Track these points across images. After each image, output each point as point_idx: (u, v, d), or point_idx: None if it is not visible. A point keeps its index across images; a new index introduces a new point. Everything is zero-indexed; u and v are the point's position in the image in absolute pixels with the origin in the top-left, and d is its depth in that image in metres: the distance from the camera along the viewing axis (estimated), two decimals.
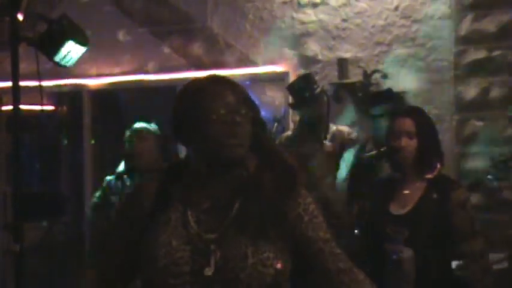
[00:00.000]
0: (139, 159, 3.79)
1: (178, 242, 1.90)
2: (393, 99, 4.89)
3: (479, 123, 5.06)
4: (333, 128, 4.72)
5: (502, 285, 4.07)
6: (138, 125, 3.92)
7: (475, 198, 4.54)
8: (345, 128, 4.77)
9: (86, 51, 3.58)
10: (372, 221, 3.38)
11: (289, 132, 4.98)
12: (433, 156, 3.33)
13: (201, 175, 1.97)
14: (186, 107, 2.00)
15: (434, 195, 3.20)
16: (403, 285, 3.16)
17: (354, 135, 4.74)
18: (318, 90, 4.67)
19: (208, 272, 1.86)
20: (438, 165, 3.31)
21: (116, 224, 2.13)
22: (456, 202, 3.18)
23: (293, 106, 4.99)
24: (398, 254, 3.13)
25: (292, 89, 4.81)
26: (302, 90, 4.63)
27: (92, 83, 6.42)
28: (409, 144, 3.28)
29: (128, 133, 3.90)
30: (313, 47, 5.61)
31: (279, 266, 1.89)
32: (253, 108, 2.01)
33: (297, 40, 5.67)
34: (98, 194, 4.06)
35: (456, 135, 5.11)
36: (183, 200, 1.96)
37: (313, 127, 4.65)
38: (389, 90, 5.09)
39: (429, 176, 3.28)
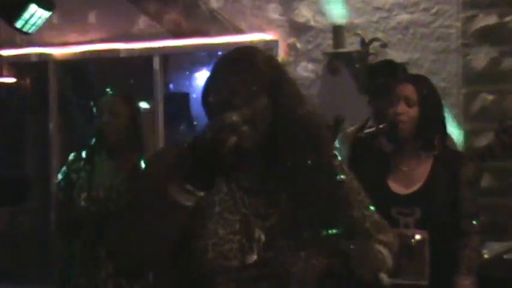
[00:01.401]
0: (110, 137, 3.70)
1: (226, 231, 1.91)
2: (394, 72, 4.82)
3: (490, 97, 5.03)
4: None
5: None
6: (109, 97, 3.82)
7: (484, 182, 4.51)
8: None
9: (51, 17, 3.48)
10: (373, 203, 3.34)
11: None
12: (434, 130, 3.28)
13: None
14: (204, 85, 2.02)
15: (443, 171, 3.19)
16: (417, 271, 3.15)
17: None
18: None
19: (250, 259, 1.88)
20: (437, 141, 3.27)
21: (134, 206, 1.99)
22: (466, 178, 3.19)
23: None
24: (410, 238, 3.11)
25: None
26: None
27: (59, 52, 6.35)
28: (407, 111, 3.24)
29: (97, 107, 3.80)
30: (305, 12, 5.56)
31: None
32: (275, 83, 1.96)
33: (288, 5, 5.62)
34: (61, 171, 3.98)
35: (464, 111, 5.08)
36: (228, 179, 1.94)
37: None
38: (389, 62, 5.04)
39: (430, 152, 3.25)
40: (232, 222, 1.92)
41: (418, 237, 3.13)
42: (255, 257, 1.88)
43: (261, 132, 1.92)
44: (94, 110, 3.79)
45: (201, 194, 1.79)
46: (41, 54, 6.37)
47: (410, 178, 3.28)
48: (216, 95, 1.93)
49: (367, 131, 3.52)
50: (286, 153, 1.95)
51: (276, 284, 1.90)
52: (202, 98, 2.01)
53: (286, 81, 2.00)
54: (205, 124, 1.85)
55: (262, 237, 1.91)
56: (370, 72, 4.48)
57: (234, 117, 1.80)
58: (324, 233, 1.94)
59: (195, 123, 7.26)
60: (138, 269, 1.97)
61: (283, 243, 1.91)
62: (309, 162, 1.95)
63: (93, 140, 3.65)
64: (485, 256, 4.07)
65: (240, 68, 1.94)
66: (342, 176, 2.04)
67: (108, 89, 3.83)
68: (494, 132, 3.44)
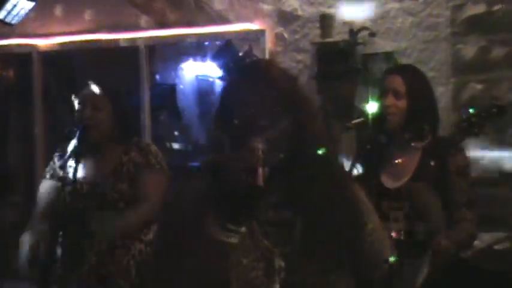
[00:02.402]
0: (93, 132, 3.65)
1: (249, 259, 1.89)
2: (347, 55, 4.79)
3: (479, 86, 5.01)
4: None
5: (504, 267, 4.07)
6: (91, 89, 3.75)
7: (474, 172, 4.49)
8: None
9: (34, 7, 3.42)
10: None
11: None
12: (424, 122, 3.26)
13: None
14: (221, 99, 1.98)
15: (432, 162, 3.17)
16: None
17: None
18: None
19: None
20: (427, 132, 3.25)
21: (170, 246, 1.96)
22: (454, 168, 3.18)
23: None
24: (399, 233, 3.09)
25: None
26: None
27: (43, 43, 6.30)
28: (395, 103, 3.22)
29: (79, 100, 3.73)
30: (292, 2, 5.53)
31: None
32: (296, 102, 1.94)
33: None
34: (47, 169, 3.93)
35: (453, 100, 5.06)
36: (233, 215, 1.87)
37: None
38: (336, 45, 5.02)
39: (419, 144, 3.23)
40: (253, 249, 1.89)
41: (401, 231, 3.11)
42: (277, 287, 1.87)
43: (282, 152, 1.90)
44: (76, 103, 3.72)
45: (243, 230, 1.80)
46: (24, 46, 6.32)
47: (400, 171, 3.26)
48: (239, 116, 1.87)
49: (355, 121, 3.50)
50: (303, 173, 1.93)
51: None
52: (220, 116, 1.96)
53: (302, 96, 1.99)
54: (231, 157, 1.83)
55: (282, 264, 1.89)
56: (325, 61, 4.43)
57: (260, 146, 1.79)
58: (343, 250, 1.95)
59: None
60: None
61: (304, 269, 1.89)
62: (325, 179, 1.95)
63: (77, 134, 3.59)
64: (476, 247, 4.05)
65: (261, 86, 1.91)
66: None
67: (89, 82, 3.75)
68: (456, 123, 3.42)
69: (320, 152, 1.96)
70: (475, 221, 3.25)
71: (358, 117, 3.60)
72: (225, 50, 4.52)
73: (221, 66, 4.53)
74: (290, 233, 1.91)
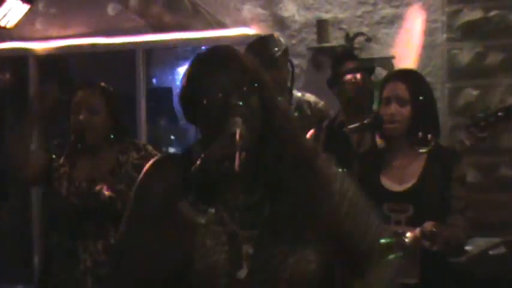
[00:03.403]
0: (88, 135, 3.65)
1: (213, 242, 1.89)
2: (355, 57, 4.83)
3: (474, 92, 5.02)
4: (297, 94, 4.60)
5: (499, 272, 4.07)
6: (87, 92, 3.74)
7: (469, 178, 4.50)
8: (311, 97, 4.66)
9: (30, 10, 3.42)
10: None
11: None
12: (428, 127, 3.27)
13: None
14: (184, 86, 1.96)
15: (437, 169, 3.17)
16: (408, 270, 3.13)
17: (322, 104, 4.64)
18: (278, 54, 4.52)
19: (241, 274, 1.87)
20: (430, 137, 3.26)
21: (132, 226, 1.98)
22: (457, 176, 3.18)
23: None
24: (401, 236, 3.09)
25: (250, 50, 4.69)
26: (259, 52, 4.47)
27: (39, 47, 6.29)
28: (399, 112, 3.22)
29: (74, 103, 3.72)
30: (289, 7, 5.54)
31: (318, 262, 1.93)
32: (262, 82, 1.93)
33: None
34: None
35: (449, 106, 5.07)
36: (204, 193, 1.85)
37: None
38: (348, 51, 5.05)
39: (423, 150, 3.23)
40: (219, 234, 1.89)
41: (409, 234, 3.11)
42: (245, 272, 1.87)
43: (255, 132, 1.87)
44: (71, 106, 3.71)
45: (213, 210, 1.78)
46: (21, 49, 6.29)
47: (403, 175, 3.25)
48: (210, 96, 1.86)
49: (352, 126, 3.49)
50: (275, 156, 1.91)
51: None
52: (184, 100, 1.96)
53: (265, 75, 1.96)
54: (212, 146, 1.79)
55: (250, 251, 1.88)
56: (334, 63, 4.47)
57: (238, 129, 1.76)
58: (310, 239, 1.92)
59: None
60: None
61: (272, 252, 1.88)
62: (298, 165, 1.93)
63: (72, 137, 3.59)
64: (471, 252, 4.06)
65: (229, 68, 1.90)
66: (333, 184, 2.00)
67: (85, 85, 3.74)
68: (465, 126, 3.44)
69: (288, 130, 1.95)
70: (467, 228, 3.26)
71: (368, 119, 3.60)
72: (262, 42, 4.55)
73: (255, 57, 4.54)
74: (259, 215, 1.91)
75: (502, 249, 4.24)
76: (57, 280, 3.64)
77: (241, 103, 1.85)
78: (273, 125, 1.91)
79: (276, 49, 4.54)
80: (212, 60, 1.94)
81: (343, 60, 4.31)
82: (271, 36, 4.80)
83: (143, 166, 3.62)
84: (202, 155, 1.77)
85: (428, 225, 3.06)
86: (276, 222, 1.90)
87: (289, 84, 4.46)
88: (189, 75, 1.95)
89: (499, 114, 3.27)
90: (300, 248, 1.90)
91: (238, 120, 1.79)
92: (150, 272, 1.85)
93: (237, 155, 1.72)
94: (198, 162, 1.77)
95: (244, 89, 1.87)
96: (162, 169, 2.03)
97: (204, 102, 1.87)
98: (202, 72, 1.92)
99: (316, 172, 1.95)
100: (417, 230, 3.08)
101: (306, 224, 1.91)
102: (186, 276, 1.87)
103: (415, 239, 3.08)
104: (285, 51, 4.53)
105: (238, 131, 1.75)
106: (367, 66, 4.41)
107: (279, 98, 2.00)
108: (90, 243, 3.54)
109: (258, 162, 1.91)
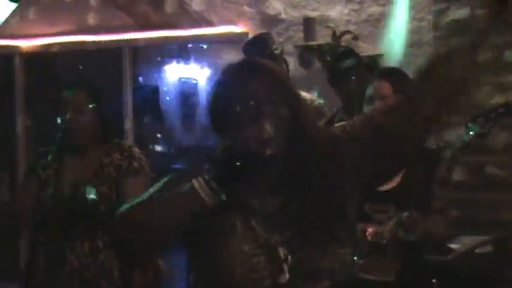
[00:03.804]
0: (75, 135, 3.63)
1: (250, 246, 1.95)
2: (356, 55, 4.85)
3: None
4: None
5: (485, 271, 4.08)
6: (73, 93, 3.73)
7: (456, 176, 4.51)
8: (307, 95, 4.67)
9: (17, 8, 3.40)
10: None
11: None
12: None
13: (245, 171, 1.96)
14: (216, 95, 2.05)
15: (420, 170, 3.17)
16: (384, 268, 3.13)
17: (318, 102, 4.65)
18: (277, 51, 4.55)
19: (283, 279, 1.93)
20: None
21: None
22: (439, 176, 3.19)
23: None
24: (381, 236, 3.09)
25: (251, 47, 4.72)
26: (255, 51, 4.51)
27: (25, 44, 6.28)
28: None
29: (61, 103, 3.71)
30: (276, 5, 5.54)
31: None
32: (289, 92, 2.02)
33: None
34: (28, 167, 3.91)
35: None
36: (239, 200, 1.99)
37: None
38: (351, 50, 5.07)
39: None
40: (255, 238, 1.96)
41: (387, 228, 3.12)
42: (287, 275, 1.93)
43: (282, 141, 1.96)
44: (58, 105, 3.70)
45: (223, 196, 1.88)
46: (6, 47, 6.27)
47: None
48: (243, 104, 1.94)
49: (339, 124, 3.49)
50: (301, 164, 2.00)
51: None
52: (215, 108, 2.03)
53: (295, 89, 2.06)
54: (240, 134, 1.92)
55: (286, 252, 1.95)
56: (335, 61, 4.49)
57: (269, 128, 1.90)
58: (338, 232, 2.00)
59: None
60: (145, 250, 2.04)
61: (305, 254, 1.95)
62: (321, 173, 2.00)
63: (59, 137, 3.57)
64: (458, 251, 4.07)
65: (260, 78, 1.99)
66: None
67: (71, 85, 3.73)
68: (465, 124, 3.43)
69: (316, 139, 2.04)
70: (448, 226, 3.27)
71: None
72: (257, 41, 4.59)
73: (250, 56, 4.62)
74: (288, 218, 1.98)
75: (488, 248, 4.25)
76: (41, 280, 3.62)
77: (271, 111, 1.94)
78: (302, 134, 2.00)
79: (275, 46, 4.58)
80: (244, 71, 2.04)
81: (344, 58, 4.31)
82: (268, 34, 4.83)
83: (124, 166, 3.64)
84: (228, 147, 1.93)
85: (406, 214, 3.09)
86: (305, 223, 1.97)
87: None
88: (221, 84, 2.04)
89: (500, 110, 3.27)
90: (333, 249, 1.97)
91: (268, 126, 1.90)
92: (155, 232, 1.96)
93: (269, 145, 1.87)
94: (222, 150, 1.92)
95: (275, 98, 1.96)
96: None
97: (237, 109, 1.94)
98: (235, 81, 2.01)
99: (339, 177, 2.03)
100: (392, 222, 3.09)
101: (335, 224, 2.00)
102: (226, 282, 1.96)
103: (391, 233, 3.09)
104: (281, 51, 4.57)
105: (268, 127, 1.89)
106: (368, 64, 4.41)
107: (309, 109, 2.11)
108: (77, 245, 3.53)
109: (285, 167, 2.00)
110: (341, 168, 2.02)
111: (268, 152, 1.87)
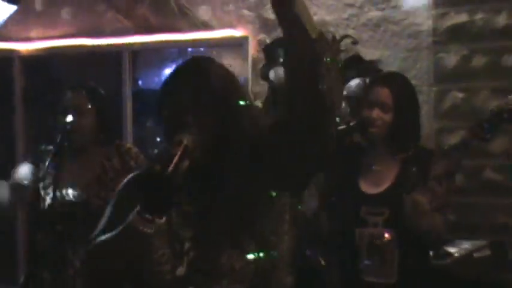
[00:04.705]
0: (75, 136, 3.63)
1: (161, 240, 2.02)
2: (363, 60, 4.86)
3: (460, 95, 5.01)
4: None
5: (484, 275, 4.08)
6: (73, 95, 3.73)
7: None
8: None
9: (16, 11, 3.40)
10: (341, 201, 3.33)
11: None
12: (408, 134, 3.27)
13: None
14: (158, 97, 2.11)
15: (413, 169, 3.17)
16: (385, 270, 3.13)
17: None
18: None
19: (180, 272, 2.00)
20: (410, 144, 3.26)
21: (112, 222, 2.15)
22: (434, 175, 3.17)
23: (264, 68, 4.91)
24: (377, 238, 3.10)
25: (269, 49, 4.72)
26: (278, 51, 4.52)
27: (24, 48, 6.26)
28: (381, 117, 3.22)
29: (61, 105, 3.71)
30: None
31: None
32: (225, 102, 2.05)
33: (258, 1, 5.56)
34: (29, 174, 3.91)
35: (435, 109, 5.06)
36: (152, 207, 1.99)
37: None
38: (359, 58, 5.07)
39: (402, 155, 3.23)
40: (165, 234, 2.02)
41: (386, 236, 3.12)
42: (183, 269, 2.00)
43: (206, 150, 1.99)
44: (58, 108, 3.70)
45: (162, 220, 1.91)
46: (6, 50, 6.27)
47: (380, 178, 3.26)
48: (169, 110, 2.02)
49: (338, 128, 3.51)
50: (226, 172, 2.05)
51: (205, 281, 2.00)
52: (157, 108, 2.09)
53: (236, 96, 2.09)
54: (157, 150, 1.98)
55: (189, 245, 2.02)
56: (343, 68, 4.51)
57: (185, 141, 1.90)
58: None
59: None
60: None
61: (210, 250, 2.01)
62: (236, 183, 2.05)
63: (59, 139, 3.57)
64: (456, 255, 4.07)
65: (192, 84, 2.02)
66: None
67: (72, 86, 3.73)
68: (469, 127, 3.43)
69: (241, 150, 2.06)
70: (444, 224, 3.27)
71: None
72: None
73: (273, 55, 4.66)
74: (201, 218, 2.04)
75: (486, 252, 4.24)
76: (43, 283, 3.61)
77: (193, 121, 1.98)
78: (226, 147, 2.03)
79: None
80: (180, 75, 2.08)
81: (352, 63, 4.31)
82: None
83: (123, 171, 3.66)
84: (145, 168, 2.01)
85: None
86: (211, 225, 2.02)
87: None
88: (162, 87, 2.10)
89: (504, 116, 3.27)
90: (232, 251, 2.01)
91: (186, 135, 1.91)
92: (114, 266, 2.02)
93: (174, 161, 1.84)
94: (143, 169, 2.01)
95: (202, 107, 2.00)
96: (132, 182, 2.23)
97: (165, 114, 2.03)
98: (169, 85, 2.08)
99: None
100: (393, 231, 3.09)
101: (239, 229, 2.03)
102: (140, 274, 2.04)
103: (391, 241, 3.10)
104: None
105: (182, 140, 1.89)
106: (376, 69, 4.42)
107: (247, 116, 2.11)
108: (80, 247, 3.53)
109: (209, 172, 2.05)
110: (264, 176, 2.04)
111: (169, 170, 1.85)
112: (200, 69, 2.07)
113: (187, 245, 2.02)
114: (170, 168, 1.83)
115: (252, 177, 2.04)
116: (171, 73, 2.10)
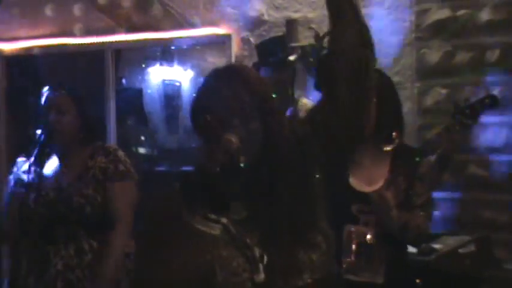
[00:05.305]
0: (58, 136, 3.61)
1: (228, 251, 2.01)
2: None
3: (444, 91, 5.02)
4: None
5: (468, 270, 4.08)
6: (55, 92, 3.71)
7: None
8: (307, 102, 4.67)
9: None
10: (332, 199, 3.32)
11: None
12: (392, 126, 3.27)
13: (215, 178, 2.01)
14: (194, 99, 2.11)
15: (402, 169, 3.18)
16: (373, 269, 3.13)
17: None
18: (292, 58, 4.57)
19: (260, 278, 2.00)
20: (395, 135, 3.26)
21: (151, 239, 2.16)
22: (419, 173, 3.18)
23: (257, 66, 4.89)
24: (360, 237, 3.09)
25: (262, 47, 4.70)
26: (273, 51, 4.50)
27: (7, 47, 6.27)
28: None
29: (43, 105, 3.68)
30: (258, 6, 5.51)
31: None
32: (268, 107, 2.07)
33: None
34: (11, 172, 3.88)
35: (418, 105, 5.06)
36: (213, 206, 2.03)
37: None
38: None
39: (388, 147, 3.23)
40: (230, 242, 2.01)
41: (368, 237, 3.12)
42: (262, 275, 1.99)
43: (251, 154, 2.00)
44: (40, 107, 3.67)
45: (225, 220, 1.95)
46: None
47: (371, 175, 3.25)
48: (213, 114, 1.99)
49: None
50: (268, 173, 2.05)
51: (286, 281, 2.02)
52: (193, 112, 2.07)
53: (273, 102, 2.11)
54: (205, 150, 1.99)
55: (260, 251, 2.01)
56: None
57: (234, 140, 1.94)
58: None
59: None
60: None
61: (279, 253, 2.01)
62: (286, 181, 2.06)
63: (41, 139, 3.54)
64: (441, 251, 4.07)
65: (235, 88, 2.03)
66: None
67: (53, 86, 3.71)
68: (450, 114, 3.44)
69: (286, 155, 2.07)
70: (428, 219, 3.27)
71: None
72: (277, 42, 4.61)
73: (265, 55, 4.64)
74: (257, 222, 2.03)
75: (471, 248, 4.25)
76: (26, 284, 3.59)
77: (240, 124, 2.00)
78: (272, 149, 2.05)
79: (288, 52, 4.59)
80: (222, 78, 2.08)
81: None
82: (282, 37, 4.80)
83: (109, 169, 3.63)
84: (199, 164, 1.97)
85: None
86: (275, 226, 2.03)
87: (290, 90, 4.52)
88: (200, 89, 2.09)
89: (486, 101, 3.30)
90: (302, 247, 2.04)
91: (234, 138, 1.95)
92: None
93: (229, 157, 1.89)
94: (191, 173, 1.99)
95: (247, 110, 2.01)
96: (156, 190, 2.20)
97: (208, 118, 2.00)
98: (210, 88, 2.07)
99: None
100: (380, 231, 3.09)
101: (303, 223, 2.07)
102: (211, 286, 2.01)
103: (379, 240, 3.10)
104: (297, 56, 4.58)
105: (232, 140, 1.93)
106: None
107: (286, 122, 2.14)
108: (62, 247, 3.50)
109: (255, 174, 2.04)
110: (309, 168, 2.09)
111: (234, 164, 1.90)
112: (240, 74, 2.10)
113: (257, 250, 2.01)
114: (226, 164, 1.86)
115: (302, 171, 2.08)
116: (209, 78, 2.10)
